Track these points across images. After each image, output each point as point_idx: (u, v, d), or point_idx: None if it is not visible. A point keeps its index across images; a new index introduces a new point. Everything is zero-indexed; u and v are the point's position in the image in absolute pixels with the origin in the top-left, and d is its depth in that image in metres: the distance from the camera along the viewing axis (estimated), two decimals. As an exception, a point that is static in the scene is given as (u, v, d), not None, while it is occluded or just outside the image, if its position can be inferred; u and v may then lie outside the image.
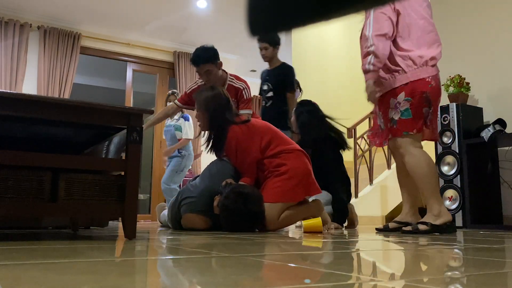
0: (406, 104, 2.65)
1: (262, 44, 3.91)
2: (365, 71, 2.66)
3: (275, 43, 3.93)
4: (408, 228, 2.63)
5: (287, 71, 3.90)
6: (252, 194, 2.60)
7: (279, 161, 2.80)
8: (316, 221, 2.56)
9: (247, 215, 2.54)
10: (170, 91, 5.37)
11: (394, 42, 2.71)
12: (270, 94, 3.87)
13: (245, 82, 3.52)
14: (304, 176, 2.80)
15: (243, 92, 3.43)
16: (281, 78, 3.85)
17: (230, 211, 2.55)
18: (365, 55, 2.68)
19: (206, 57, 3.30)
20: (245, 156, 2.82)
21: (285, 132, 3.23)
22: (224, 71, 3.46)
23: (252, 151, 2.82)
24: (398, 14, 2.71)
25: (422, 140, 2.80)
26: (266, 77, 3.95)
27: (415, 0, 2.78)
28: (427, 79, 2.66)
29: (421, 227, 2.56)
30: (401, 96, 2.66)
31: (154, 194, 6.75)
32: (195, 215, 2.76)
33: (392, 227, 2.90)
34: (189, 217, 2.78)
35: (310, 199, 2.95)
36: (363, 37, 2.74)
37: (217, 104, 2.92)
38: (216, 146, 2.93)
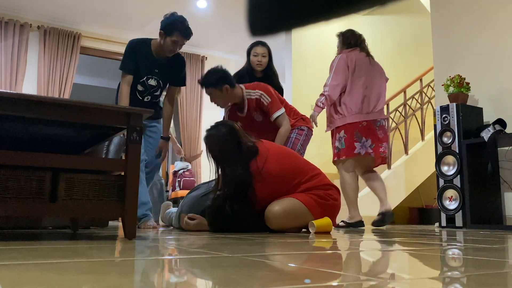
0: (343, 138, 3.64)
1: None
2: (315, 105, 3.70)
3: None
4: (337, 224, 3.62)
5: None
6: (236, 196, 2.53)
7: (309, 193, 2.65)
8: (327, 221, 2.56)
9: (232, 216, 2.49)
10: None
11: (344, 91, 3.65)
12: None
13: (261, 87, 3.34)
14: (335, 209, 2.71)
15: (261, 99, 3.29)
16: None
17: (215, 213, 2.52)
18: (321, 94, 3.69)
19: (207, 82, 3.28)
20: (256, 202, 2.61)
21: None
22: (240, 86, 3.33)
23: (265, 201, 2.60)
24: (352, 72, 3.63)
25: (376, 165, 3.75)
26: None
27: (376, 68, 3.73)
28: (360, 123, 3.58)
29: (341, 224, 3.65)
30: (342, 132, 3.64)
31: (154, 194, 6.73)
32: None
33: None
34: (183, 218, 2.81)
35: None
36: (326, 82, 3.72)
37: (225, 147, 2.59)
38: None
